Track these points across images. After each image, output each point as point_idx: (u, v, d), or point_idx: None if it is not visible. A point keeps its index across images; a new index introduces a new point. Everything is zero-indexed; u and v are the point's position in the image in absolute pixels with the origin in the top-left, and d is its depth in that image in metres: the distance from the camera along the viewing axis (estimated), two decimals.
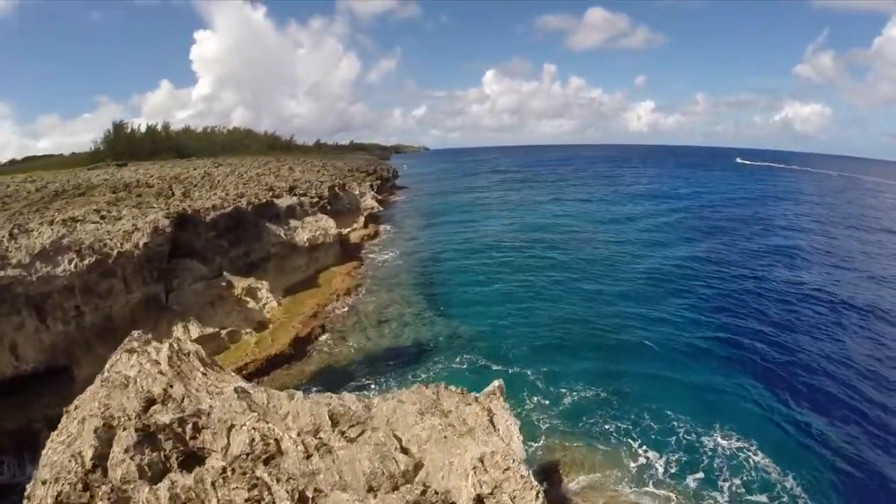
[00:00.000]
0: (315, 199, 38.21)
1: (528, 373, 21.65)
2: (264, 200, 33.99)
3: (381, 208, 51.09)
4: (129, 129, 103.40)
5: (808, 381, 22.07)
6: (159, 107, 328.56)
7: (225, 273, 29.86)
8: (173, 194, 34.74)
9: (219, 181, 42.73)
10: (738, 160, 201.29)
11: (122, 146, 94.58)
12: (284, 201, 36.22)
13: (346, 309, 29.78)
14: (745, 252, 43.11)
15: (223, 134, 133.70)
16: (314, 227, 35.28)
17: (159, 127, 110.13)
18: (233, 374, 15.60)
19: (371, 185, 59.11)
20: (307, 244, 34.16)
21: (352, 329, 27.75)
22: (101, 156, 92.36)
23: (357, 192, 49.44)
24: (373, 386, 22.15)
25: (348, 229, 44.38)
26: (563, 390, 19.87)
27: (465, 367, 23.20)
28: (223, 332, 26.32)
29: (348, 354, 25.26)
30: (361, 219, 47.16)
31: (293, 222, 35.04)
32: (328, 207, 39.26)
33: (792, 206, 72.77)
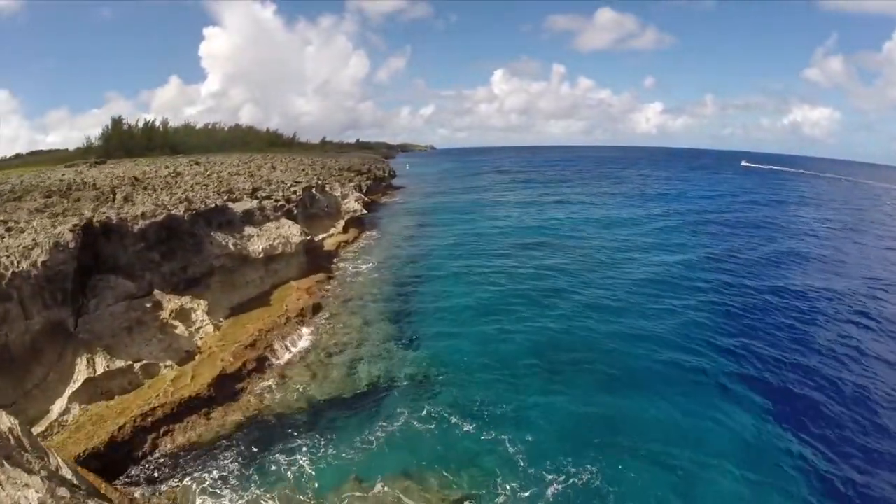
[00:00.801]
0: (280, 203, 32.81)
1: (507, 441, 16.13)
2: (213, 205, 28.68)
3: (365, 211, 45.61)
4: (126, 126, 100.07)
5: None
6: (168, 103, 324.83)
7: (156, 291, 24.69)
8: (114, 198, 29.67)
9: (178, 182, 37.64)
10: (744, 163, 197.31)
11: (115, 142, 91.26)
12: (242, 205, 30.93)
13: (294, 335, 24.44)
14: (763, 262, 37.43)
15: (223, 131, 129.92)
16: (273, 235, 29.95)
17: (158, 123, 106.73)
18: (60, 460, 10.67)
19: (359, 186, 53.63)
20: (262, 255, 28.84)
21: (296, 364, 22.41)
22: (93, 152, 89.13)
23: (339, 194, 44.04)
24: (305, 449, 16.84)
25: (323, 235, 39.08)
26: (549, 474, 14.33)
27: (430, 426, 17.67)
28: (137, 365, 21.08)
29: (285, 400, 19.89)
30: (341, 223, 41.82)
31: (249, 230, 29.73)
32: (295, 211, 33.84)
33: (811, 211, 66.51)
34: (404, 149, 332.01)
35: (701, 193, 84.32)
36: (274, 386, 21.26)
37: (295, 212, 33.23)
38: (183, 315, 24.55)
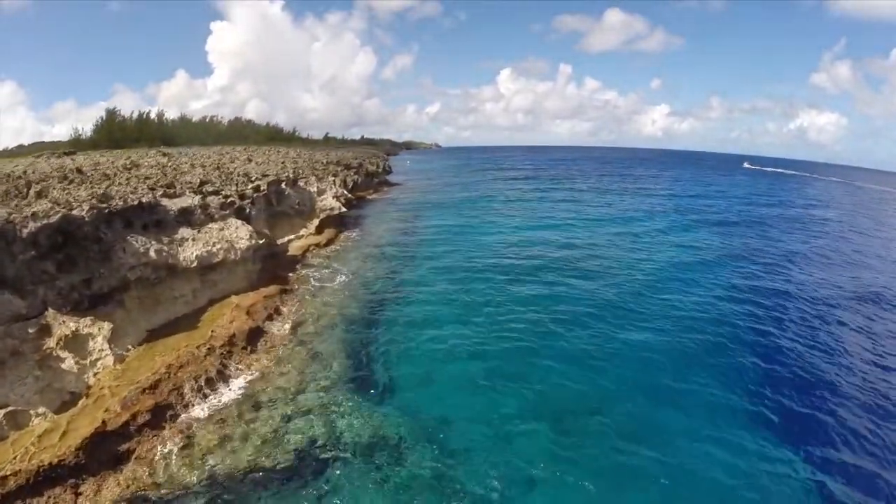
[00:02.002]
0: (230, 199, 26.50)
1: None
2: (136, 202, 22.38)
3: (344, 209, 39.10)
4: (121, 118, 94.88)
5: None
6: (175, 96, 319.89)
7: (49, 311, 18.54)
8: (27, 194, 23.50)
9: (128, 174, 31.53)
10: (746, 165, 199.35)
11: (104, 134, 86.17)
12: (179, 202, 24.63)
13: (215, 374, 18.12)
14: (794, 281, 30.81)
15: (221, 125, 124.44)
16: (213, 239, 23.64)
17: (152, 115, 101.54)
18: None
19: (344, 181, 47.18)
20: (196, 263, 22.55)
21: (209, 417, 16.18)
22: (82, 143, 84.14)
23: (314, 189, 37.61)
24: None
25: (290, 237, 32.78)
26: None
27: None
28: (0, 412, 15.20)
29: (183, 474, 13.73)
30: (314, 223, 35.46)
31: (184, 232, 23.42)
32: (249, 210, 27.50)
33: (824, 212, 59.55)
34: (409, 146, 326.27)
35: (716, 200, 77.33)
36: (174, 449, 15.06)
37: (249, 210, 26.90)
38: (76, 343, 18.39)
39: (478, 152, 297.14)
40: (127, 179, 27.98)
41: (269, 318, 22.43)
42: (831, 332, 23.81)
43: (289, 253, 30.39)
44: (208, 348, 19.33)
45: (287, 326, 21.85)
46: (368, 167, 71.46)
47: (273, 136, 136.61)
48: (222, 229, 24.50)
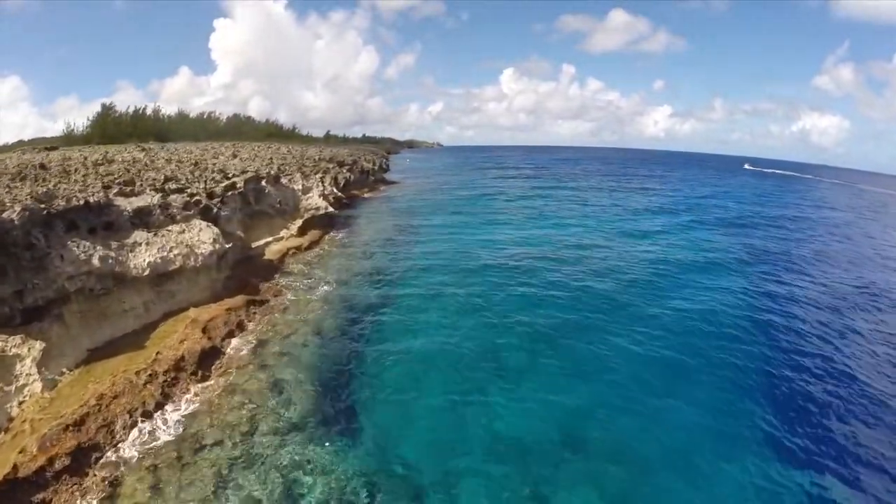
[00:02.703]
0: (196, 198, 23.44)
1: None
2: (83, 202, 19.35)
3: (332, 209, 35.95)
4: (117, 113, 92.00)
5: None
6: (178, 93, 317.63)
7: None
8: None
9: (93, 170, 28.64)
10: (746, 166, 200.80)
11: (98, 130, 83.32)
12: (136, 202, 21.59)
13: (153, 407, 15.14)
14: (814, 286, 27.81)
15: (219, 121, 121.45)
16: (170, 243, 20.60)
17: (149, 111, 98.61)
18: None
19: (334, 179, 44.03)
20: (148, 271, 19.53)
21: (141, 461, 13.27)
22: (74, 139, 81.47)
23: (299, 187, 34.52)
24: None
25: (268, 239, 29.71)
26: None
27: None
28: None
29: None
30: (297, 224, 32.38)
31: (139, 235, 20.38)
32: (218, 209, 24.42)
33: (826, 213, 56.25)
34: (411, 145, 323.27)
35: (723, 202, 73.97)
36: (93, 502, 12.21)
37: (217, 210, 23.81)
38: (1, 366, 15.59)
39: (479, 152, 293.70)
40: (84, 176, 25.01)
41: (230, 335, 19.40)
42: (848, 338, 21.11)
43: (265, 257, 27.32)
44: (149, 374, 16.32)
45: (248, 346, 18.81)
46: (364, 164, 68.36)
47: (272, 133, 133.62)
48: (183, 232, 21.45)
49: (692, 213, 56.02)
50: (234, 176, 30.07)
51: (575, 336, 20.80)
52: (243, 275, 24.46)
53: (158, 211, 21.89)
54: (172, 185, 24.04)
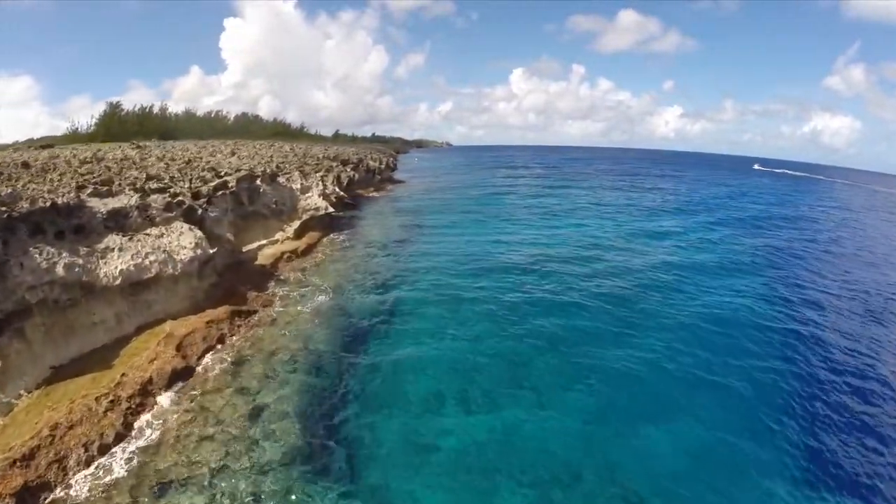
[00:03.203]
0: (179, 199, 21.36)
1: None
2: (50, 204, 17.36)
3: (332, 209, 33.76)
4: (124, 112, 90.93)
5: None
6: (189, 92, 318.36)
7: None
8: None
9: (79, 168, 26.82)
10: (756, 167, 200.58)
11: (102, 128, 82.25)
12: (112, 203, 19.57)
13: (112, 438, 13.04)
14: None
15: (226, 120, 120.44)
16: (146, 248, 18.53)
17: (156, 109, 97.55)
18: None
19: (337, 178, 41.87)
20: (120, 280, 17.47)
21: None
22: (79, 137, 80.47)
23: (297, 186, 32.39)
24: None
25: (262, 242, 27.60)
26: None
27: None
28: None
29: None
30: (294, 225, 30.24)
31: (112, 240, 18.34)
32: (203, 211, 22.32)
33: (861, 218, 52.96)
34: (420, 145, 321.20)
35: (740, 202, 70.86)
36: None
37: (201, 211, 21.70)
38: None
39: (489, 151, 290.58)
40: (60, 175, 23.05)
41: (209, 351, 17.26)
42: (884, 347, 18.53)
43: (257, 262, 25.20)
44: (111, 400, 14.23)
45: (226, 364, 16.64)
46: (370, 163, 66.21)
47: (280, 131, 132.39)
48: (161, 236, 19.37)
49: (710, 214, 53.30)
50: (226, 174, 28.04)
51: (597, 345, 18.47)
52: (231, 282, 22.36)
53: (136, 213, 19.84)
54: (154, 185, 21.99)
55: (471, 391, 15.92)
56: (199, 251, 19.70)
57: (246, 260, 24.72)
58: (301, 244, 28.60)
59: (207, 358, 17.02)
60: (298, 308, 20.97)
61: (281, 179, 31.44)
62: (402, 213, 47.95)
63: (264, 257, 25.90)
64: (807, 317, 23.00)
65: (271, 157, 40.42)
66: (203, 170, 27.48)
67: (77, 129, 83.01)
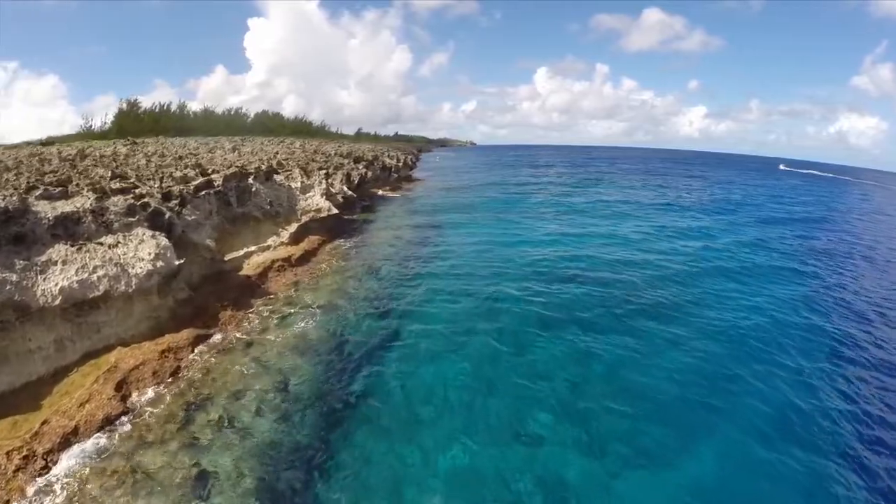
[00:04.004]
0: (144, 200, 18.13)
1: None
2: None
3: (337, 210, 30.15)
4: (142, 110, 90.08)
5: None
6: (213, 91, 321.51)
7: None
8: None
9: (38, 167, 24.11)
10: (781, 167, 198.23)
11: (116, 126, 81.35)
12: (64, 206, 16.47)
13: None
14: None
15: (246, 117, 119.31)
16: (93, 262, 15.31)
17: (174, 107, 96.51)
18: None
19: (347, 176, 38.43)
20: (60, 300, 14.27)
21: None
22: (92, 135, 79.76)
23: (297, 185, 29.05)
24: None
25: (250, 249, 24.27)
26: None
27: None
28: None
29: None
30: (291, 229, 26.86)
31: (56, 251, 15.19)
32: (171, 214, 19.04)
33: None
34: (444, 144, 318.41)
35: (785, 201, 64.92)
36: None
37: (170, 215, 18.40)
38: None
39: (512, 150, 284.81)
40: (16, 175, 20.15)
41: (160, 383, 13.91)
42: None
43: (241, 273, 21.86)
44: (24, 456, 10.99)
45: (178, 409, 13.20)
46: (386, 160, 62.82)
47: (300, 129, 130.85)
48: (115, 245, 16.13)
49: (754, 216, 48.25)
50: (213, 172, 24.86)
51: (637, 367, 14.42)
52: (206, 297, 19.05)
53: (90, 218, 16.68)
54: (117, 185, 18.84)
55: (475, 446, 12.12)
56: (159, 263, 16.41)
57: (229, 270, 21.42)
58: (297, 251, 25.16)
59: (154, 396, 13.65)
60: (280, 333, 17.43)
61: (279, 177, 28.16)
62: (417, 213, 44.30)
63: (251, 266, 22.55)
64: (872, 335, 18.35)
65: (276, 153, 37.33)
66: (187, 167, 24.37)
67: (91, 126, 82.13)
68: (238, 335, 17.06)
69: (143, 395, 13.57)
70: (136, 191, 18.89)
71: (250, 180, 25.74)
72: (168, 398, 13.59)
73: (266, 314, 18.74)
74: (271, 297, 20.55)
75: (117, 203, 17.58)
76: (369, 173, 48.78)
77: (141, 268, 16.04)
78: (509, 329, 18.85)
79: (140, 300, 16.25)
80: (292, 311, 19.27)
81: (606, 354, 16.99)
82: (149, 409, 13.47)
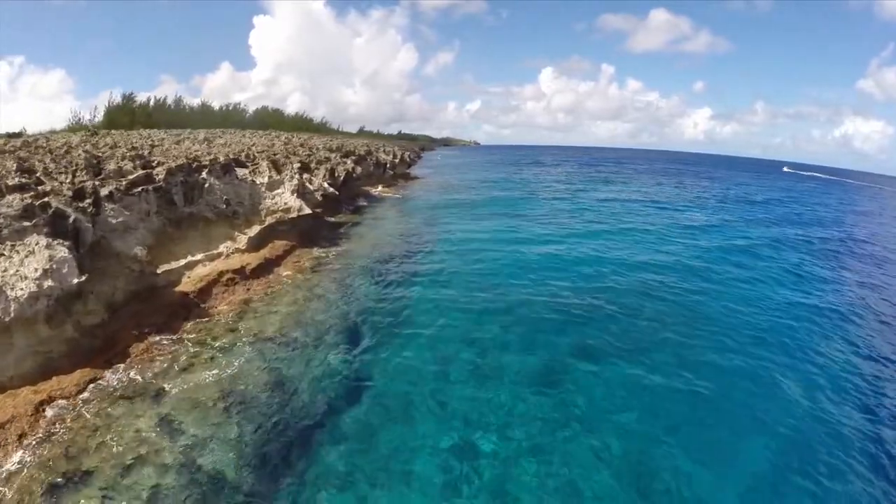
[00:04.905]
0: (43, 201, 14.15)
1: None
2: None
3: (307, 210, 25.93)
4: (137, 104, 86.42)
5: None
6: (219, 88, 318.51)
7: None
8: None
9: None
10: (785, 169, 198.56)
11: (106, 120, 77.82)
12: None
13: None
14: None
15: (244, 112, 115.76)
16: None
17: (169, 101, 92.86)
18: None
19: (329, 171, 34.32)
20: None
21: None
22: (83, 128, 76.26)
23: (263, 181, 25.03)
24: None
25: (198, 256, 20.16)
26: None
27: None
28: None
29: None
30: (251, 232, 22.76)
31: None
32: (76, 218, 15.04)
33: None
34: (447, 143, 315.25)
35: (805, 203, 60.86)
36: None
37: (76, 217, 14.36)
38: None
39: (517, 150, 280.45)
40: None
41: (26, 451, 9.94)
42: None
43: (179, 288, 17.86)
44: None
45: (43, 490, 9.23)
46: (381, 156, 58.77)
47: (300, 126, 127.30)
48: None
49: (786, 223, 44.20)
50: (158, 164, 20.88)
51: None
52: (126, 322, 15.06)
53: None
54: (16, 180, 14.87)
55: None
56: (48, 283, 12.41)
57: (163, 286, 17.42)
58: (254, 260, 21.02)
59: (15, 469, 9.70)
60: (205, 376, 13.26)
61: (242, 171, 24.20)
62: (410, 214, 40.26)
63: (193, 280, 18.46)
64: None
65: (252, 145, 33.36)
66: (124, 158, 20.41)
67: (80, 120, 78.53)
68: (150, 377, 12.98)
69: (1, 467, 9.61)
70: (41, 188, 14.92)
71: (203, 174, 21.74)
72: (35, 471, 9.62)
73: (194, 348, 14.60)
74: (210, 320, 16.45)
75: (12, 203, 13.60)
76: (359, 169, 44.68)
77: (22, 289, 12.07)
78: (506, 363, 14.86)
79: (22, 331, 12.21)
80: (231, 343, 15.09)
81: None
82: (3, 489, 9.54)
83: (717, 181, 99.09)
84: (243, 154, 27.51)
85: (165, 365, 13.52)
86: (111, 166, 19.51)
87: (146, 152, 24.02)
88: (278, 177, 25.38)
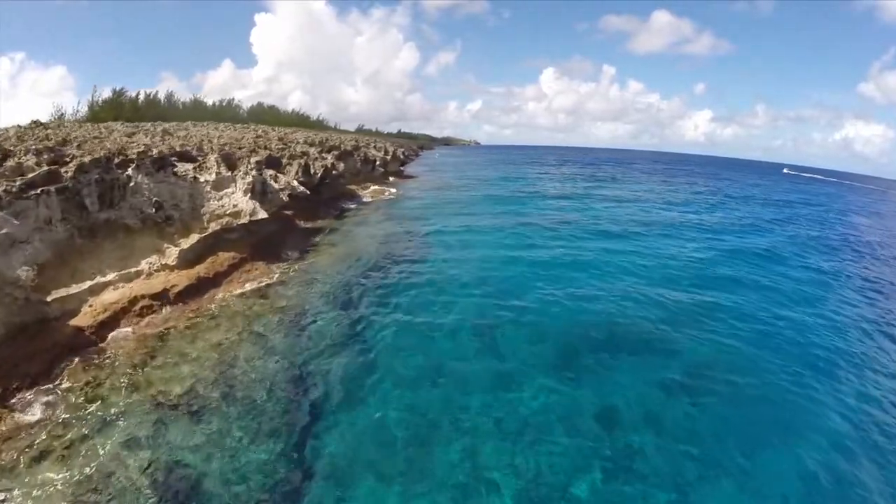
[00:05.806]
0: None
1: None
2: None
3: (262, 214, 21.47)
4: (128, 98, 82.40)
5: None
6: (220, 85, 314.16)
7: None
8: None
9: None
10: (785, 171, 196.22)
11: (91, 113, 73.85)
12: None
13: None
14: None
15: (237, 108, 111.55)
16: None
17: (161, 96, 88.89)
18: None
19: (302, 167, 30.04)
20: None
21: None
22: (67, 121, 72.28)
23: (209, 178, 20.78)
24: None
25: (109, 277, 15.86)
26: None
27: None
28: None
29: None
30: (185, 244, 18.41)
31: None
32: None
33: None
34: (447, 142, 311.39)
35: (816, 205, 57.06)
36: None
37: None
38: None
39: (518, 150, 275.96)
40: None
41: None
42: None
43: (75, 320, 13.73)
44: None
45: None
46: (371, 152, 54.57)
47: (297, 123, 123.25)
48: None
49: (808, 228, 40.77)
50: (72, 158, 16.70)
51: None
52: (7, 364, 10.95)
53: None
54: None
55: None
56: None
57: (56, 317, 13.27)
58: (182, 279, 16.78)
59: None
60: (53, 475, 9.19)
61: (183, 167, 20.03)
62: (397, 219, 35.90)
63: (95, 309, 14.32)
64: None
65: (217, 137, 29.15)
66: (28, 152, 16.23)
67: (63, 114, 74.17)
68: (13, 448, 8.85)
69: None
70: None
71: (129, 171, 17.59)
72: None
73: (64, 415, 10.47)
74: (103, 370, 12.34)
75: None
76: (342, 165, 40.37)
77: None
78: (503, 422, 10.74)
79: None
80: (118, 409, 10.81)
81: None
82: None
83: (724, 181, 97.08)
84: (194, 148, 23.31)
85: (21, 444, 9.32)
86: (9, 163, 15.33)
87: (74, 147, 19.81)
88: (229, 174, 21.14)
